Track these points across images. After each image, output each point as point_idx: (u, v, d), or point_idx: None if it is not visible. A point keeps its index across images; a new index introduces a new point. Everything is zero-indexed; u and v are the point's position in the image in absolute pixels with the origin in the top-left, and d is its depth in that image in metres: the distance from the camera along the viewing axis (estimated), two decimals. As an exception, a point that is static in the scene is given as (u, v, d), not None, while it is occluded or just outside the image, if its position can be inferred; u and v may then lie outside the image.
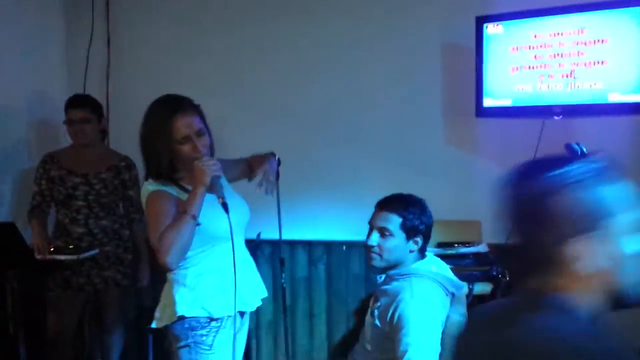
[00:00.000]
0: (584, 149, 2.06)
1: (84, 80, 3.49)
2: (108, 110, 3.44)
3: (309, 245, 3.30)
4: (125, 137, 3.39)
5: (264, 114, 3.35)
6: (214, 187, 1.85)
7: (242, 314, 1.99)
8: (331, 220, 3.29)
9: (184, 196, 1.87)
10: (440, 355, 1.82)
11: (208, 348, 1.84)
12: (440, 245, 2.75)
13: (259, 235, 3.29)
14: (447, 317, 1.90)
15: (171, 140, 1.85)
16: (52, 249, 2.71)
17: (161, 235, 1.74)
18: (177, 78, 3.38)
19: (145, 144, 1.91)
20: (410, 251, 1.97)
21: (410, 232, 1.94)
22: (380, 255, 1.96)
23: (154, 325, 1.91)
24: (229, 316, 1.88)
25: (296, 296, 3.33)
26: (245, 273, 1.98)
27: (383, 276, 2.02)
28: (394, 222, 1.94)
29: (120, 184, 2.91)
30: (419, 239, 1.97)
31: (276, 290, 3.32)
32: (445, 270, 2.02)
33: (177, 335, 1.87)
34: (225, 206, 1.83)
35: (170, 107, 1.87)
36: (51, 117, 3.23)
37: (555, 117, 2.73)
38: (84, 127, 2.83)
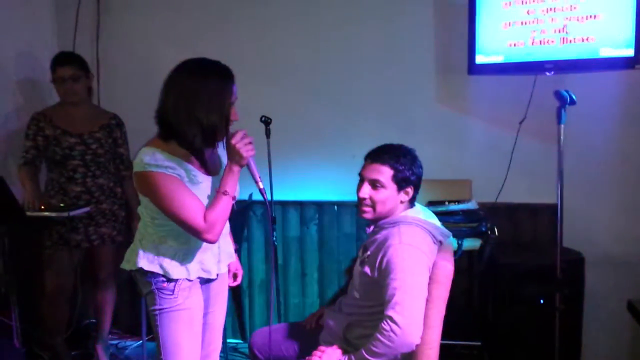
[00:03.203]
0: (573, 96, 2.06)
1: (74, 39, 3.44)
2: (98, 70, 3.41)
3: (300, 205, 3.31)
4: (115, 96, 3.42)
5: (254, 76, 3.32)
6: (249, 167, 1.84)
7: (204, 279, 1.95)
8: (322, 181, 3.29)
9: (185, 171, 1.79)
10: (427, 300, 1.84)
11: (170, 293, 1.85)
12: (430, 203, 2.76)
13: (250, 196, 3.29)
14: (435, 264, 1.92)
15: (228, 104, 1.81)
16: (43, 207, 2.71)
17: (207, 216, 1.75)
18: (167, 38, 3.35)
19: (198, 108, 1.74)
20: (401, 202, 1.97)
21: (401, 183, 1.95)
22: (373, 208, 1.96)
23: (122, 265, 1.94)
24: (187, 279, 1.87)
25: (288, 256, 3.35)
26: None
27: (372, 227, 2.03)
28: (385, 173, 1.94)
29: (113, 142, 2.91)
30: (410, 190, 1.97)
31: (268, 250, 3.35)
32: (433, 218, 2.03)
33: (141, 282, 1.89)
34: (263, 192, 1.87)
35: (228, 71, 1.84)
36: (39, 76, 3.20)
37: (547, 73, 2.72)
38: (74, 85, 2.81)
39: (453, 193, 2.92)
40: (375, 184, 1.95)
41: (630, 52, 2.57)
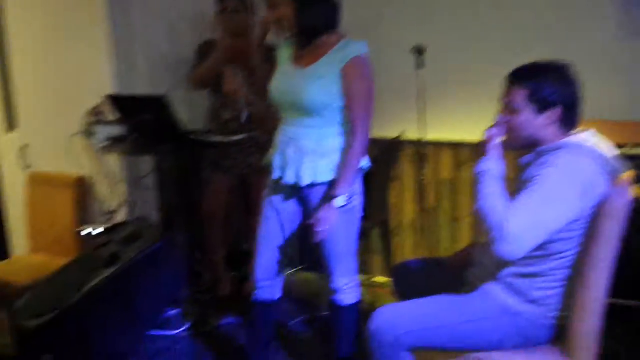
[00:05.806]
0: None
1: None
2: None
3: (455, 146, 3.12)
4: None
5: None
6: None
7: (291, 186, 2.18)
8: (482, 119, 3.04)
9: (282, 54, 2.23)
10: (595, 237, 1.59)
11: None
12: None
13: (402, 133, 3.18)
14: (607, 200, 1.64)
15: None
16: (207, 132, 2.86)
17: None
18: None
19: None
20: (547, 125, 1.72)
21: (540, 104, 1.70)
22: (509, 135, 1.76)
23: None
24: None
25: (440, 198, 3.20)
26: (292, 149, 2.14)
27: (527, 156, 1.81)
28: (519, 95, 1.71)
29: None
30: (555, 111, 1.70)
31: (418, 190, 3.22)
32: (606, 147, 1.73)
33: None
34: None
35: None
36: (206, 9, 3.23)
37: None
38: (232, 17, 2.83)
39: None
40: (510, 108, 1.74)
41: None
